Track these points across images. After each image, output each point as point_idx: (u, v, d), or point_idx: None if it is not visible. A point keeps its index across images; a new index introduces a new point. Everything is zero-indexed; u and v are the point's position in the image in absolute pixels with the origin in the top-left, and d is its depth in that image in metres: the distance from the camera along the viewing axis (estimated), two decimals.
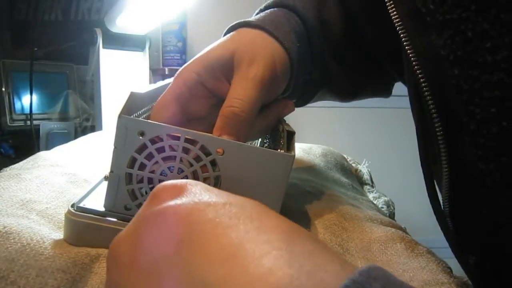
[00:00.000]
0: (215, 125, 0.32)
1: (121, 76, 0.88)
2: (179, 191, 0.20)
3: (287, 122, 0.39)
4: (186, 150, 0.28)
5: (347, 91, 0.46)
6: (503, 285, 0.30)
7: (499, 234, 0.28)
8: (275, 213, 0.19)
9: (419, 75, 0.28)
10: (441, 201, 0.32)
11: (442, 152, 0.29)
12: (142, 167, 0.28)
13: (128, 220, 0.28)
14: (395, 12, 0.29)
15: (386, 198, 0.57)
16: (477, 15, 0.24)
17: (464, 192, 0.29)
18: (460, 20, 0.25)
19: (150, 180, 0.28)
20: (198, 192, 0.20)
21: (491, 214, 0.28)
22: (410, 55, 0.28)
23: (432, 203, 0.32)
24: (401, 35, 0.29)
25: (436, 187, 0.33)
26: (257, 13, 0.42)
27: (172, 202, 0.19)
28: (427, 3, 0.27)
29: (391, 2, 0.30)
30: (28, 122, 0.93)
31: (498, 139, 0.25)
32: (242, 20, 0.37)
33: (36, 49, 0.95)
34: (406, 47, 0.29)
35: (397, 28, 0.29)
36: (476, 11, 0.24)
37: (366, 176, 0.63)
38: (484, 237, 0.30)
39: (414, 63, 0.28)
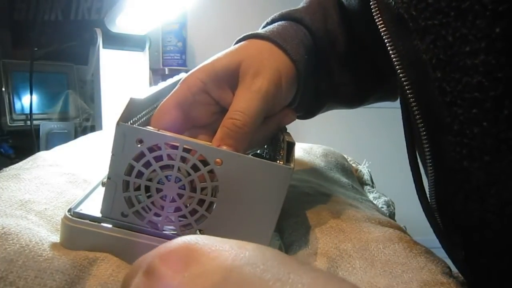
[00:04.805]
0: (215, 136, 0.31)
1: (121, 76, 0.88)
2: (187, 260, 0.16)
3: (288, 130, 0.39)
4: (184, 159, 0.27)
5: (355, 99, 0.46)
6: (493, 280, 0.31)
7: (486, 229, 0.28)
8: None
9: (402, 78, 0.29)
10: (428, 198, 0.33)
11: (426, 150, 0.30)
12: (140, 174, 0.28)
13: (124, 227, 0.28)
14: (380, 18, 0.31)
15: (386, 198, 0.57)
16: (456, 21, 0.25)
17: (450, 189, 0.30)
18: (441, 25, 0.26)
19: (147, 188, 0.28)
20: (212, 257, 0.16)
21: (478, 210, 0.28)
22: (394, 59, 0.30)
23: (420, 199, 0.33)
24: (386, 40, 0.30)
25: (427, 184, 0.33)
26: (264, 26, 0.41)
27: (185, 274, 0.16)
28: (410, 10, 0.28)
29: (377, 9, 0.31)
30: (28, 122, 0.93)
31: (480, 139, 0.26)
32: (251, 32, 0.37)
33: (36, 49, 0.95)
34: (390, 52, 0.30)
35: (382, 34, 0.30)
36: (455, 17, 0.25)
37: (366, 176, 0.63)
38: (472, 232, 0.30)
39: (397, 66, 0.30)
